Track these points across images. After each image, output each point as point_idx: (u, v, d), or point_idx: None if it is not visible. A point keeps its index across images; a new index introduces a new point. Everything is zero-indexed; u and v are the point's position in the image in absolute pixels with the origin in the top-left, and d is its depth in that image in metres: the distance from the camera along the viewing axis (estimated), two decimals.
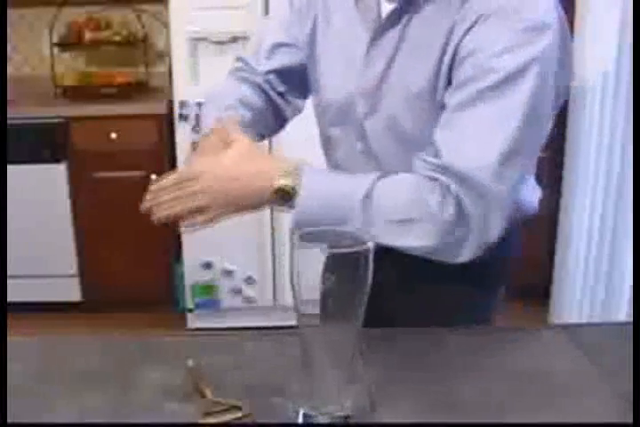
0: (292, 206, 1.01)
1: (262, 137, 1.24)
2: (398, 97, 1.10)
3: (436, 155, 1.01)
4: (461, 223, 0.99)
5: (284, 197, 1.01)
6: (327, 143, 1.25)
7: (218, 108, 1.20)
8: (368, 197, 0.99)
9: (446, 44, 1.04)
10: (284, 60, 1.25)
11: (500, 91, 0.99)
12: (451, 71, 1.04)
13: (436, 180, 0.99)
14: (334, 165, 1.24)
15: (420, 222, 0.99)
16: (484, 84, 0.99)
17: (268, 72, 1.26)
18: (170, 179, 1.05)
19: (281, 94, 1.28)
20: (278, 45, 1.25)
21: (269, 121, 1.27)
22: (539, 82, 0.99)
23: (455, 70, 1.03)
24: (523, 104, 0.99)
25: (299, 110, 1.32)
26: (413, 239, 1.00)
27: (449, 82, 1.04)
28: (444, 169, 0.99)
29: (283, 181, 1.00)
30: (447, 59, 1.04)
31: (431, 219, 0.99)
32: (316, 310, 0.81)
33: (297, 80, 1.26)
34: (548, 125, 1.06)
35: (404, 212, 1.00)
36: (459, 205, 0.99)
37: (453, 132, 1.02)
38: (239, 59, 1.32)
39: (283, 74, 1.26)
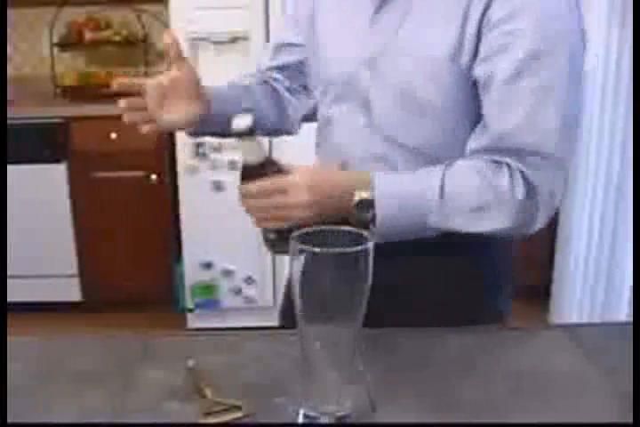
0: (366, 217, 1.03)
1: (265, 126, 1.27)
2: (409, 65, 1.09)
3: (482, 134, 1.05)
4: (531, 196, 1.02)
5: (363, 208, 1.03)
6: (327, 125, 1.23)
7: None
8: (442, 191, 1.02)
9: (467, 10, 1.03)
10: (286, 58, 1.31)
11: (542, 58, 1.00)
12: (479, 39, 1.03)
13: (497, 162, 1.03)
14: (334, 148, 1.22)
15: (495, 206, 1.03)
16: (524, 54, 1.00)
17: (271, 69, 1.32)
18: (259, 187, 1.01)
19: (287, 89, 1.32)
20: (281, 46, 1.32)
21: (270, 106, 1.30)
22: (574, 40, 1.02)
23: (485, 38, 1.03)
24: (566, 67, 1.01)
25: (306, 107, 1.33)
26: (490, 224, 1.04)
27: (475, 51, 1.04)
28: (499, 148, 1.03)
29: (363, 193, 1.02)
30: (472, 26, 1.03)
31: (504, 201, 1.02)
32: (317, 310, 0.81)
33: (301, 77, 1.31)
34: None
35: (477, 200, 1.03)
36: (525, 180, 1.02)
37: (508, 108, 1.02)
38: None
39: (286, 71, 1.32)
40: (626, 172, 2.58)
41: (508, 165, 1.02)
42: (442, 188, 1.02)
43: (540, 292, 2.92)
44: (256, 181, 1.00)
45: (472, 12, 1.03)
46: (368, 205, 1.02)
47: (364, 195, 1.03)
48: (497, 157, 1.03)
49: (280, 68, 1.32)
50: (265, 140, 1.35)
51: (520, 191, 1.01)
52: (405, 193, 1.04)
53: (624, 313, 2.65)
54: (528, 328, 1.15)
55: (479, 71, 1.04)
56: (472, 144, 1.06)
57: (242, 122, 0.96)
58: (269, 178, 1.00)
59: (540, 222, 1.05)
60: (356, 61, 1.14)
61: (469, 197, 1.03)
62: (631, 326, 1.06)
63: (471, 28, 1.03)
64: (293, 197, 1.01)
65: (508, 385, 0.94)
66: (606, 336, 1.09)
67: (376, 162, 1.15)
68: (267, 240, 1.08)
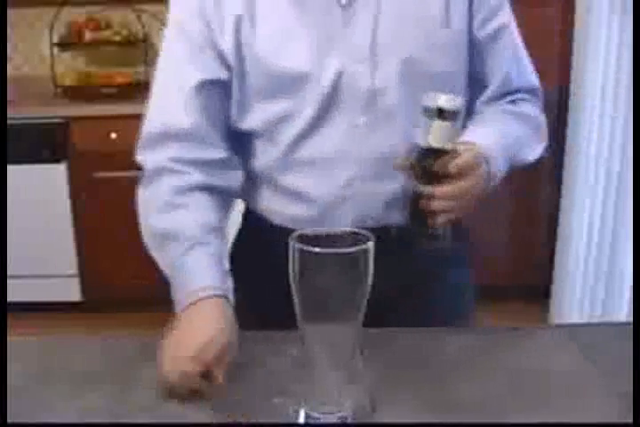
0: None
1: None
2: (408, 40, 1.09)
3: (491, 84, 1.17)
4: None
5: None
6: (299, 145, 1.12)
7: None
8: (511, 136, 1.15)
9: None
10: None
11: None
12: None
13: (513, 101, 1.19)
14: (316, 165, 1.12)
15: (538, 131, 1.20)
16: (507, 6, 1.17)
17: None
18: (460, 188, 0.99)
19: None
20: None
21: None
22: None
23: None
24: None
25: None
26: (540, 147, 1.19)
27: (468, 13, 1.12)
28: (509, 89, 1.18)
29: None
30: None
31: (542, 128, 1.21)
32: (317, 310, 0.81)
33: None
34: None
35: (529, 131, 1.18)
36: (537, 108, 1.22)
37: (508, 53, 1.17)
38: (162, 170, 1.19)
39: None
40: (626, 172, 2.58)
41: (523, 99, 1.19)
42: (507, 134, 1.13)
43: (539, 292, 2.92)
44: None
45: None
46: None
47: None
48: (510, 98, 1.17)
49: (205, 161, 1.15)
50: None
51: (543, 118, 1.21)
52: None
53: (624, 313, 2.65)
54: (528, 328, 1.15)
55: (483, 31, 1.13)
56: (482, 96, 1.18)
57: (455, 102, 0.92)
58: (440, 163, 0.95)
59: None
60: (340, 62, 1.08)
61: (526, 134, 1.17)
62: (631, 326, 1.06)
63: None
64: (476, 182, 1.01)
65: (508, 385, 0.95)
66: (606, 336, 1.09)
67: (377, 161, 1.10)
68: (431, 237, 1.01)
